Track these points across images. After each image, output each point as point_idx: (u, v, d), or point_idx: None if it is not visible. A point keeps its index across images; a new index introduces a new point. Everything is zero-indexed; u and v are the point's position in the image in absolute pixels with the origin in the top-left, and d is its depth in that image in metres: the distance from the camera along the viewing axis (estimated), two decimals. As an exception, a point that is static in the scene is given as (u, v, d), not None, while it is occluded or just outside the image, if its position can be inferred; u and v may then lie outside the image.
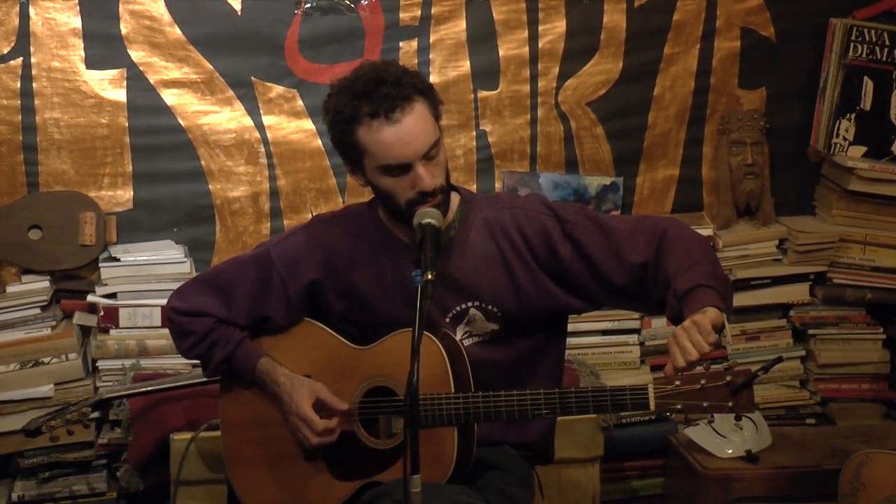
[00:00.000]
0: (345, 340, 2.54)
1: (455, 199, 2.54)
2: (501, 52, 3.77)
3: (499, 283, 2.52)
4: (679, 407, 2.32)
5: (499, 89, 3.79)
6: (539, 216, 2.53)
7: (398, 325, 2.44)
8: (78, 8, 3.58)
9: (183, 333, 2.58)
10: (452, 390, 2.40)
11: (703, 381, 2.31)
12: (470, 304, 2.53)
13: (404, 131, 2.36)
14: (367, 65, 2.46)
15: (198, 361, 2.66)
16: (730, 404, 2.31)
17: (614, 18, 3.80)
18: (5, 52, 3.57)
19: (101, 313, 3.52)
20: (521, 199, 2.61)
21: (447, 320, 2.53)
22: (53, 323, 3.54)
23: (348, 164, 2.48)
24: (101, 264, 3.58)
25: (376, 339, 2.50)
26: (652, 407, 2.32)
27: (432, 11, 3.72)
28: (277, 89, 3.70)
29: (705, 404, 2.32)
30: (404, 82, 2.38)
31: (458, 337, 2.52)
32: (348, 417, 2.50)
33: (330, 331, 2.56)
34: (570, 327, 3.73)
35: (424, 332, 2.35)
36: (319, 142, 3.74)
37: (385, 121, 2.35)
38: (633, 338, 3.79)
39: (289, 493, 2.55)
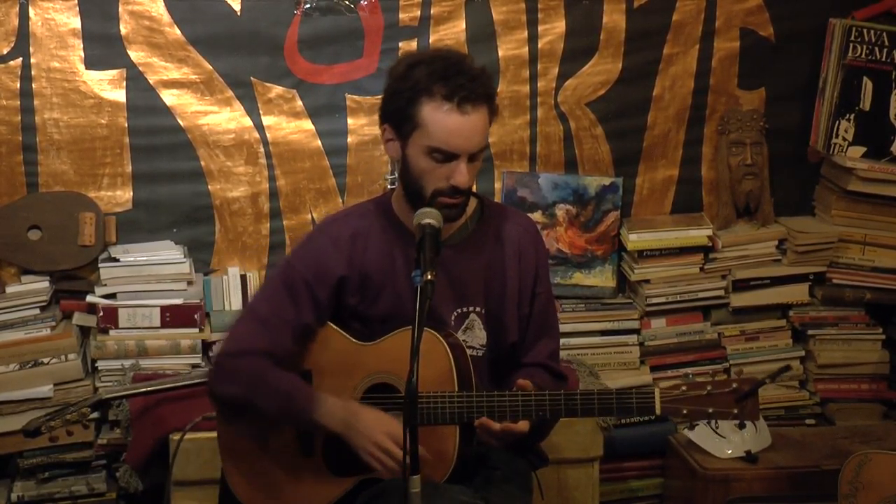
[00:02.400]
0: (349, 336, 2.54)
1: (472, 203, 2.58)
2: (501, 53, 3.77)
3: (494, 292, 2.56)
4: (685, 412, 2.33)
5: (498, 89, 3.78)
6: (542, 249, 2.65)
7: (406, 320, 2.44)
8: (77, 8, 3.57)
9: (232, 380, 2.49)
10: (456, 389, 2.40)
11: (709, 388, 2.31)
12: (471, 308, 2.54)
13: (468, 125, 2.39)
14: (445, 50, 2.53)
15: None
16: (735, 411, 2.31)
17: (614, 19, 3.80)
18: (5, 52, 3.57)
19: (101, 314, 3.52)
20: (535, 226, 2.70)
21: (452, 322, 2.54)
22: (53, 323, 3.54)
23: (393, 131, 2.47)
24: (100, 265, 3.57)
25: (382, 334, 2.50)
26: (658, 411, 2.33)
27: (432, 12, 3.72)
28: (277, 89, 3.70)
29: (711, 410, 2.32)
30: (482, 82, 2.42)
31: None
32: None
33: (335, 327, 2.55)
34: (569, 327, 3.77)
35: (429, 331, 2.38)
36: (319, 142, 3.74)
37: (456, 108, 2.38)
38: (633, 338, 3.79)
39: (285, 488, 2.54)
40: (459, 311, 2.54)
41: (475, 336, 2.56)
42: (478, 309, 2.55)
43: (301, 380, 2.50)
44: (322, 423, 2.44)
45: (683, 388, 2.32)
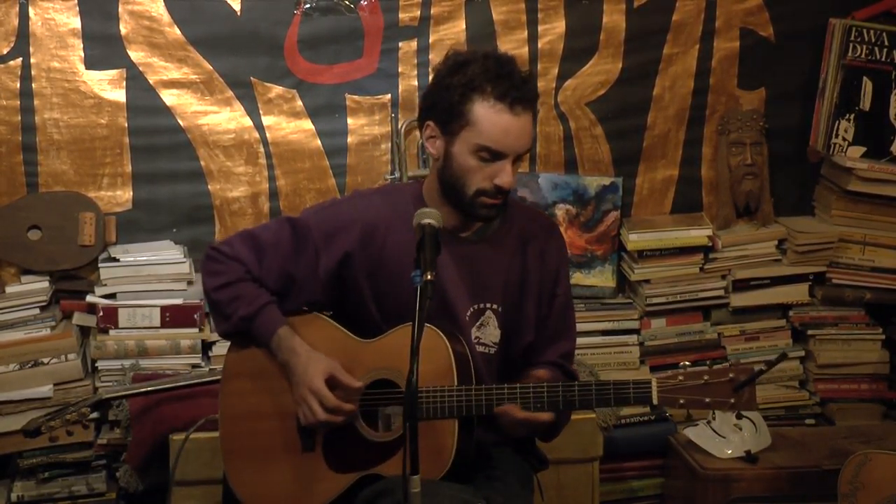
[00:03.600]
0: (350, 333, 2.55)
1: None
2: (501, 53, 3.77)
3: (514, 291, 2.56)
4: (682, 402, 2.33)
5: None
6: (563, 250, 2.65)
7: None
8: (77, 8, 3.57)
9: (215, 272, 2.58)
10: (455, 384, 2.41)
11: (706, 377, 2.32)
12: (487, 305, 2.55)
13: (518, 126, 2.41)
14: (494, 50, 2.52)
15: (214, 335, 2.65)
16: (732, 401, 2.32)
17: (614, 19, 3.80)
18: (5, 52, 3.57)
19: (101, 313, 3.52)
20: (558, 227, 2.72)
21: (467, 317, 2.54)
22: (53, 323, 3.54)
23: (437, 128, 2.46)
24: (100, 264, 3.57)
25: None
26: (655, 401, 2.34)
27: (432, 12, 3.72)
28: (277, 89, 3.70)
29: (707, 400, 2.33)
30: (530, 86, 2.44)
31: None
32: (355, 401, 2.49)
33: (335, 324, 2.56)
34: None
35: (429, 326, 2.38)
36: (319, 142, 3.74)
37: (508, 107, 2.39)
38: (633, 338, 3.79)
39: (285, 486, 2.54)
40: (476, 307, 2.55)
41: (489, 334, 2.56)
42: (494, 306, 2.56)
43: (273, 304, 2.54)
44: (273, 353, 2.53)
45: (680, 377, 2.33)
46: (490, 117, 2.39)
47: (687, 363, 2.39)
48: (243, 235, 2.62)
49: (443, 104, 2.44)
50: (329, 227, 2.54)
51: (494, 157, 2.41)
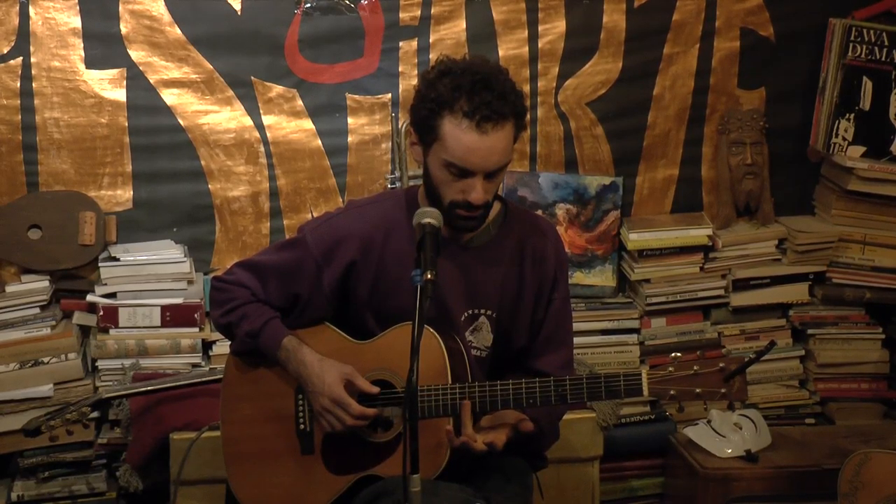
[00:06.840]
0: (345, 335, 2.55)
1: (496, 207, 2.56)
2: (501, 52, 3.77)
3: (509, 300, 2.56)
4: (672, 393, 2.34)
5: (498, 89, 3.78)
6: (562, 255, 2.65)
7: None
8: (78, 7, 3.57)
9: (221, 301, 2.60)
10: (450, 382, 2.41)
11: (696, 368, 2.33)
12: (482, 310, 2.55)
13: (486, 145, 2.37)
14: (479, 61, 2.46)
15: (221, 341, 2.65)
16: (723, 390, 2.33)
17: (614, 18, 3.80)
18: (5, 51, 3.57)
19: (101, 313, 3.52)
20: (556, 233, 2.69)
21: (461, 321, 2.54)
22: (53, 323, 3.54)
23: (416, 136, 2.47)
24: (100, 264, 3.57)
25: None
26: (645, 393, 2.34)
27: (432, 11, 3.72)
28: (277, 89, 3.70)
29: (698, 390, 2.34)
30: (508, 100, 2.39)
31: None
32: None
33: (332, 327, 2.57)
34: (570, 326, 3.74)
35: (424, 326, 2.37)
36: (319, 142, 3.74)
37: (475, 126, 2.36)
38: (633, 337, 3.80)
39: (285, 489, 2.55)
40: (470, 312, 2.55)
41: (482, 338, 2.57)
42: (489, 312, 2.56)
43: (276, 319, 2.56)
44: (283, 365, 2.55)
45: (671, 369, 2.34)
46: (455, 135, 2.37)
47: (678, 354, 2.39)
48: (243, 264, 2.64)
49: (418, 116, 2.44)
50: (328, 243, 2.54)
51: (462, 173, 2.40)
